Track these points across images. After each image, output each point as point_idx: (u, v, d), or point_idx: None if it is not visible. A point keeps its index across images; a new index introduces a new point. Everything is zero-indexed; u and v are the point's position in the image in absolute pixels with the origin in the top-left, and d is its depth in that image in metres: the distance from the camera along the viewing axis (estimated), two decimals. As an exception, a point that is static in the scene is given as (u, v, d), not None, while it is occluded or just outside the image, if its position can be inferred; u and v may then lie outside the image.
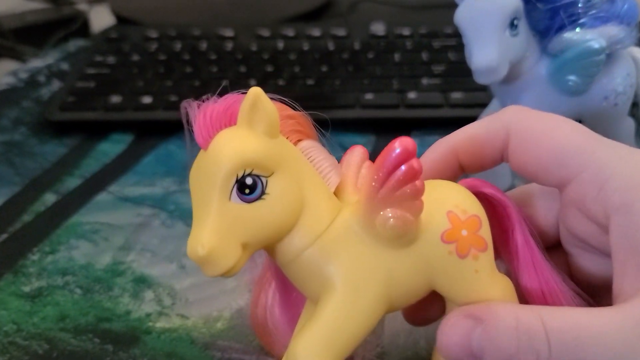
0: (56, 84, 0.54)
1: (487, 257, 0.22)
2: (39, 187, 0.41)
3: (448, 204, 0.22)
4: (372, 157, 0.22)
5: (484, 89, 0.47)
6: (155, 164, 0.43)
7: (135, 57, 0.54)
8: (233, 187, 0.20)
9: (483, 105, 0.41)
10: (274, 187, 0.20)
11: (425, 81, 0.49)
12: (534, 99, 0.36)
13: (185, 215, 0.38)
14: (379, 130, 0.46)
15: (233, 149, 0.20)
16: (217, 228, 0.19)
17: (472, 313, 0.21)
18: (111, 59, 0.54)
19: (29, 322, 0.30)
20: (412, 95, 0.47)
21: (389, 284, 0.22)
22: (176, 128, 0.45)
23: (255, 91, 0.20)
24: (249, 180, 0.20)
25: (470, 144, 0.25)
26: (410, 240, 0.21)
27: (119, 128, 0.47)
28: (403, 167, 0.20)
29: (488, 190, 0.24)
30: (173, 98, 0.48)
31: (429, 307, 0.25)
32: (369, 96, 0.47)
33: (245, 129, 0.20)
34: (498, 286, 0.23)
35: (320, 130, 0.24)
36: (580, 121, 0.38)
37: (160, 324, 0.30)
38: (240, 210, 0.20)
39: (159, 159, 0.44)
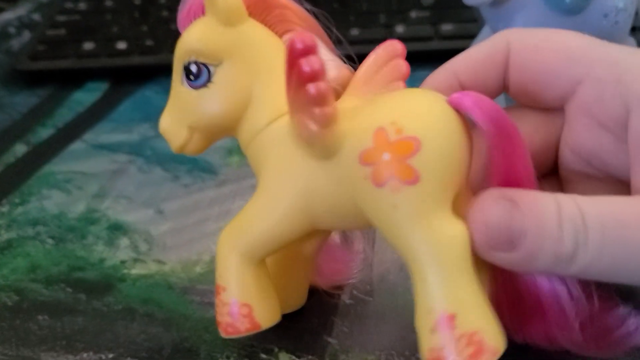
0: (27, 35, 0.51)
1: (417, 192, 0.18)
2: (9, 138, 0.39)
3: (384, 118, 0.19)
4: None
5: (475, 20, 0.45)
6: (132, 111, 0.41)
7: (109, 3, 0.52)
8: (182, 72, 0.21)
9: (474, 36, 0.38)
10: (220, 76, 0.21)
11: (413, 14, 0.46)
12: (527, 20, 0.34)
13: (162, 160, 0.36)
14: (367, 67, 0.44)
15: (185, 37, 0.21)
16: (170, 109, 0.22)
17: (507, 194, 0.19)
18: (83, 5, 0.51)
19: (-1, 274, 0.29)
20: (400, 29, 0.44)
21: (308, 196, 0.20)
22: (153, 73, 0.43)
23: None
24: (193, 68, 0.21)
25: (471, 66, 0.23)
26: (325, 153, 0.20)
27: (94, 76, 0.45)
28: (302, 64, 0.18)
29: (476, 111, 0.19)
30: (149, 42, 0.46)
31: None
32: (354, 31, 0.45)
33: (206, 19, 0.21)
34: (430, 234, 0.18)
35: (328, 27, 0.23)
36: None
37: (136, 270, 0.29)
38: (187, 95, 0.21)
39: (136, 105, 0.42)
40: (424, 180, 0.18)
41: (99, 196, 0.34)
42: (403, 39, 0.43)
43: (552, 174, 0.24)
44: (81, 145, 0.38)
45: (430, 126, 0.19)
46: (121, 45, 0.45)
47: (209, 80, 0.21)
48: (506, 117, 0.19)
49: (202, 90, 0.21)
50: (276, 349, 0.24)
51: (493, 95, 0.24)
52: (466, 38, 0.40)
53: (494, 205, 0.19)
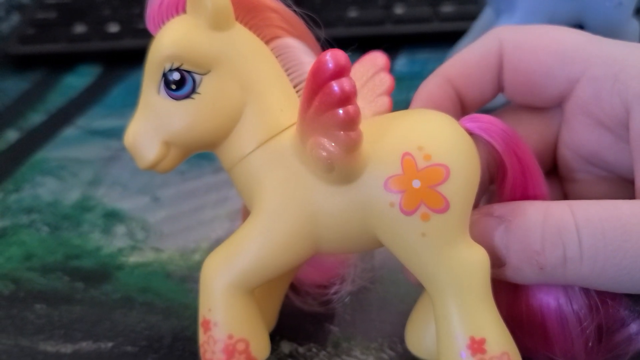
0: (16, 18, 0.50)
1: (446, 220, 0.18)
2: (0, 125, 0.38)
3: (410, 143, 0.18)
4: None
5: (475, 1, 0.44)
6: (126, 95, 0.40)
7: (99, -16, 0.50)
8: (161, 80, 0.18)
9: (474, 18, 0.38)
10: (208, 87, 0.18)
11: (413, -5, 0.45)
12: (531, 1, 0.33)
13: (158, 146, 0.35)
14: (365, 49, 0.43)
15: (165, 39, 0.18)
16: (140, 120, 0.19)
17: (494, 212, 0.19)
18: (73, -13, 0.50)
19: (-6, 263, 0.28)
20: (399, 10, 0.44)
21: (317, 221, 0.19)
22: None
23: None
24: (175, 75, 0.18)
25: (464, 70, 0.23)
26: (345, 178, 0.18)
27: (85, 59, 0.44)
28: (333, 86, 0.16)
29: (488, 135, 0.19)
30: (141, 25, 0.45)
31: None
32: (352, 13, 0.44)
33: (190, 19, 0.18)
34: (457, 260, 0.18)
35: (315, 31, 0.21)
36: (581, 27, 0.35)
37: (134, 258, 0.28)
38: (165, 105, 0.18)
39: (130, 89, 0.41)
40: (453, 208, 0.18)
41: (94, 183, 0.33)
42: (402, 20, 0.43)
43: (551, 173, 0.24)
44: (74, 131, 0.37)
45: (457, 153, 0.18)
46: (113, 28, 0.44)
47: (193, 90, 0.18)
48: (518, 138, 0.19)
49: (186, 102, 0.18)
50: (278, 337, 0.24)
51: (489, 98, 0.24)
52: (466, 19, 0.40)
53: (479, 221, 0.19)
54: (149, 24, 0.19)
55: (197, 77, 0.18)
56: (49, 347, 0.24)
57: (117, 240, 0.29)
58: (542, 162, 0.23)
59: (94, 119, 0.38)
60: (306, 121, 0.17)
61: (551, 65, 0.22)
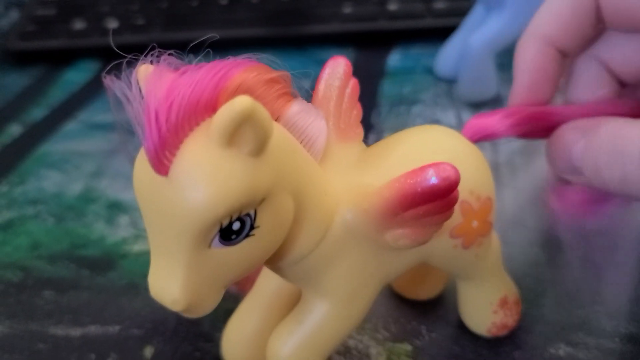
0: (15, 14, 0.51)
1: (489, 237, 0.21)
2: (3, 119, 0.39)
3: (463, 191, 0.18)
4: (353, 73, 0.20)
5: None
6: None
7: (98, -20, 0.51)
8: (215, 236, 0.15)
9: (465, 14, 0.39)
10: (264, 216, 0.15)
11: (406, -9, 0.46)
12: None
13: (158, 140, 0.36)
14: (359, 44, 0.44)
15: (215, 193, 0.14)
16: (192, 280, 0.15)
17: (581, 126, 0.20)
18: (72, -17, 0.51)
19: (2, 252, 0.29)
20: (392, 6, 0.45)
21: (386, 278, 0.20)
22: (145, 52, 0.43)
23: (244, 105, 0.13)
24: (235, 226, 0.15)
25: (559, 23, 0.21)
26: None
27: (85, 55, 0.45)
28: (452, 200, 0.16)
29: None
30: (140, 21, 0.46)
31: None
32: (347, 9, 0.45)
33: (224, 149, 0.14)
34: (491, 254, 0.22)
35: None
36: None
37: (138, 247, 0.29)
38: (223, 255, 0.15)
39: (129, 85, 0.42)
40: (492, 225, 0.21)
41: (97, 175, 0.34)
42: (396, 16, 0.44)
43: None
44: (76, 125, 0.38)
45: (489, 178, 0.20)
46: (112, 24, 0.45)
47: (252, 227, 0.15)
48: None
49: (245, 242, 0.15)
50: (277, 320, 0.25)
51: (592, 40, 0.22)
52: (458, 15, 0.41)
53: (565, 134, 0.20)
54: (150, 152, 0.14)
55: (252, 213, 0.15)
56: (59, 330, 0.25)
57: (121, 229, 0.30)
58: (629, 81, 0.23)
59: (95, 113, 0.39)
60: (396, 220, 0.17)
61: None
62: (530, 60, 0.22)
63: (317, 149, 0.18)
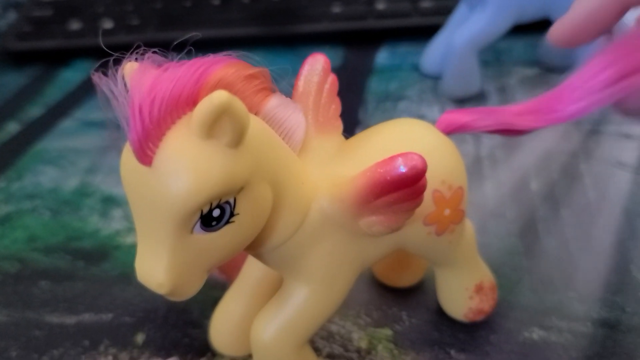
0: (12, 15, 0.52)
1: (462, 224, 0.22)
2: (2, 117, 0.40)
3: (435, 180, 0.20)
4: (342, 71, 0.20)
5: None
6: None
7: (93, -18, 0.52)
8: (196, 222, 0.16)
9: (451, 12, 0.40)
10: (244, 203, 0.16)
11: (394, -10, 0.47)
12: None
13: (152, 136, 0.37)
14: (348, 43, 0.45)
15: (195, 181, 0.15)
16: (176, 264, 0.16)
17: None
18: (68, -15, 0.52)
19: (0, 245, 0.30)
20: (380, 5, 0.46)
21: (363, 264, 0.21)
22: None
23: (221, 99, 0.14)
24: (215, 213, 0.16)
25: None
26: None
27: (81, 55, 0.46)
28: (420, 188, 0.17)
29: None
30: (135, 22, 0.47)
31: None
32: (336, 8, 0.46)
33: (203, 140, 0.15)
34: (464, 241, 0.23)
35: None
36: (550, 23, 0.37)
37: (130, 239, 0.30)
38: (205, 241, 0.16)
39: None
40: (465, 213, 0.21)
41: (91, 171, 0.35)
42: (383, 15, 0.45)
43: None
44: (72, 122, 0.39)
45: (462, 168, 0.21)
46: (107, 24, 0.46)
47: (231, 214, 0.16)
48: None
49: (226, 228, 0.16)
50: (264, 307, 0.26)
51: None
52: (444, 14, 0.42)
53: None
54: (135, 144, 0.15)
55: (231, 201, 0.16)
56: (54, 318, 0.26)
57: (115, 222, 0.31)
58: None
59: (90, 111, 0.40)
60: (369, 208, 0.18)
61: None
62: (593, 9, 0.21)
63: (296, 140, 0.19)
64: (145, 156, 0.15)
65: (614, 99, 0.20)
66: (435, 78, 0.40)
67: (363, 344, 0.24)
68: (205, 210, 0.15)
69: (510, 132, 0.22)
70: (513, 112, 0.22)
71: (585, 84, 0.20)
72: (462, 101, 0.38)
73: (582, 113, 0.20)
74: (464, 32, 0.37)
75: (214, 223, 0.16)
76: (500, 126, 0.21)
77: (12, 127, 0.39)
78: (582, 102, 0.20)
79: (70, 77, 0.44)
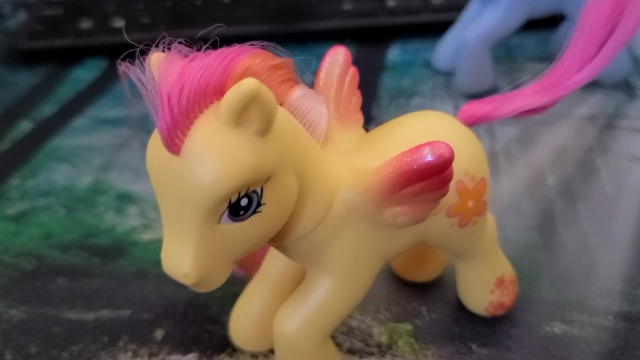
0: (22, 15, 0.52)
1: (485, 216, 0.22)
2: (14, 116, 0.40)
3: (459, 171, 0.19)
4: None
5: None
6: (132, 87, 0.42)
7: (103, -19, 0.52)
8: (224, 211, 0.16)
9: (462, 9, 0.40)
10: (271, 193, 0.16)
11: (404, -13, 0.47)
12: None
13: (165, 134, 0.37)
14: (359, 40, 0.45)
15: (224, 169, 0.15)
16: (203, 255, 0.16)
17: None
18: (77, -16, 0.52)
19: (16, 242, 0.30)
20: (391, 2, 0.46)
21: (386, 257, 0.21)
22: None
23: (251, 87, 0.14)
24: (243, 202, 0.16)
25: None
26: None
27: (92, 53, 0.46)
28: (447, 177, 0.17)
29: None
30: (145, 20, 0.47)
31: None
32: (347, 5, 0.46)
33: (232, 128, 0.15)
34: (487, 233, 0.23)
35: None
36: (563, 18, 0.37)
37: (147, 235, 0.30)
38: (232, 230, 0.16)
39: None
40: (487, 205, 0.21)
41: (106, 168, 0.35)
42: (394, 12, 0.45)
43: None
44: (85, 121, 0.39)
45: (484, 160, 0.21)
46: (118, 22, 0.47)
47: (259, 204, 0.16)
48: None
49: (253, 218, 0.16)
50: (282, 302, 0.26)
51: None
52: (455, 10, 0.42)
53: None
54: (164, 133, 0.15)
55: (259, 190, 0.16)
56: (73, 314, 0.26)
57: (131, 219, 0.31)
58: None
59: (103, 109, 0.40)
60: (394, 198, 0.18)
61: None
62: None
63: (319, 132, 0.19)
64: (173, 145, 0.15)
65: (619, 45, 0.20)
66: (448, 74, 0.40)
67: (384, 339, 0.24)
68: (234, 199, 0.15)
69: (532, 112, 0.22)
70: (530, 92, 0.22)
71: (586, 45, 0.21)
72: (475, 97, 0.38)
73: (594, 72, 0.21)
74: (476, 28, 0.37)
75: (241, 212, 0.16)
76: (522, 109, 0.21)
77: (25, 126, 0.39)
78: (590, 63, 0.21)
79: (81, 75, 0.44)
